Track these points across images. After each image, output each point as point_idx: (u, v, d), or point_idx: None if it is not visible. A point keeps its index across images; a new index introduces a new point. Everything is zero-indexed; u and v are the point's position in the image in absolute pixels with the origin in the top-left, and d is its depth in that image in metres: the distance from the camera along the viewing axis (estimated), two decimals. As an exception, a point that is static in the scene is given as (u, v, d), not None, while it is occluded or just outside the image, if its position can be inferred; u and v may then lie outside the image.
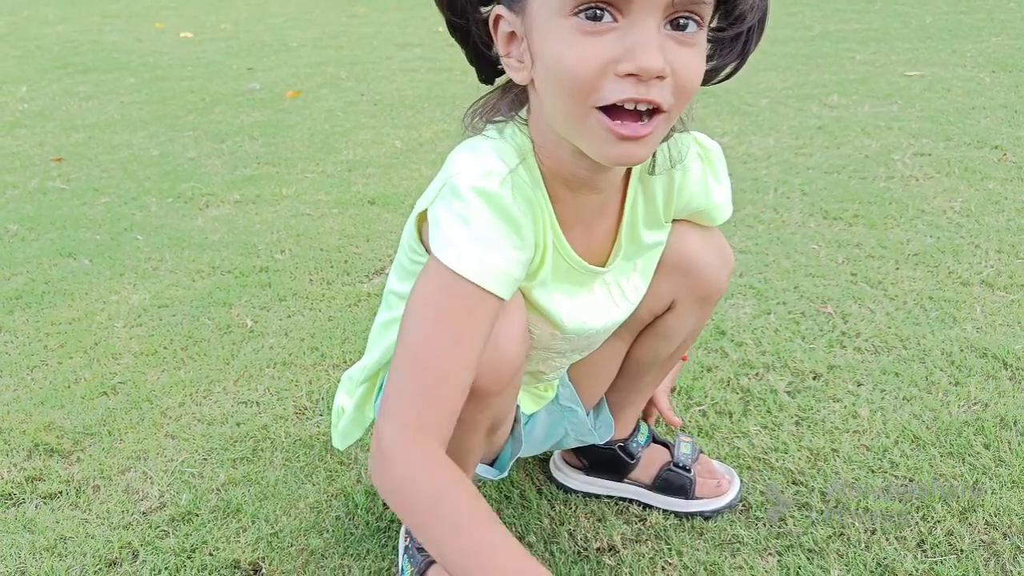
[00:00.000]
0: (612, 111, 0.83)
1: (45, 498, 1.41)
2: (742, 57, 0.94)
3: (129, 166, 3.32)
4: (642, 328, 1.24)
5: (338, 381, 1.36)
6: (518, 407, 1.19)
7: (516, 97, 0.99)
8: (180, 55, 5.87)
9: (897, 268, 2.04)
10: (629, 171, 1.05)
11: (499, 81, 1.00)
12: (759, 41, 0.93)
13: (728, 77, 0.96)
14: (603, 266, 1.08)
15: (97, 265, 2.35)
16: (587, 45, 0.81)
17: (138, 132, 3.83)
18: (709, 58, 0.91)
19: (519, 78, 0.92)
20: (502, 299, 0.91)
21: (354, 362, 1.29)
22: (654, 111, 0.84)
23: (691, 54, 0.83)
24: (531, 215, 0.96)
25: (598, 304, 1.10)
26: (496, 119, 1.00)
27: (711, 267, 1.17)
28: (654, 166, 1.04)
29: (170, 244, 2.48)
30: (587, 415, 1.32)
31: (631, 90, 0.81)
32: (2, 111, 4.40)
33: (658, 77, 0.81)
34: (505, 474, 1.23)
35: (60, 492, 1.42)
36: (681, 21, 0.82)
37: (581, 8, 0.81)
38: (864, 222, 2.32)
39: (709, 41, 0.89)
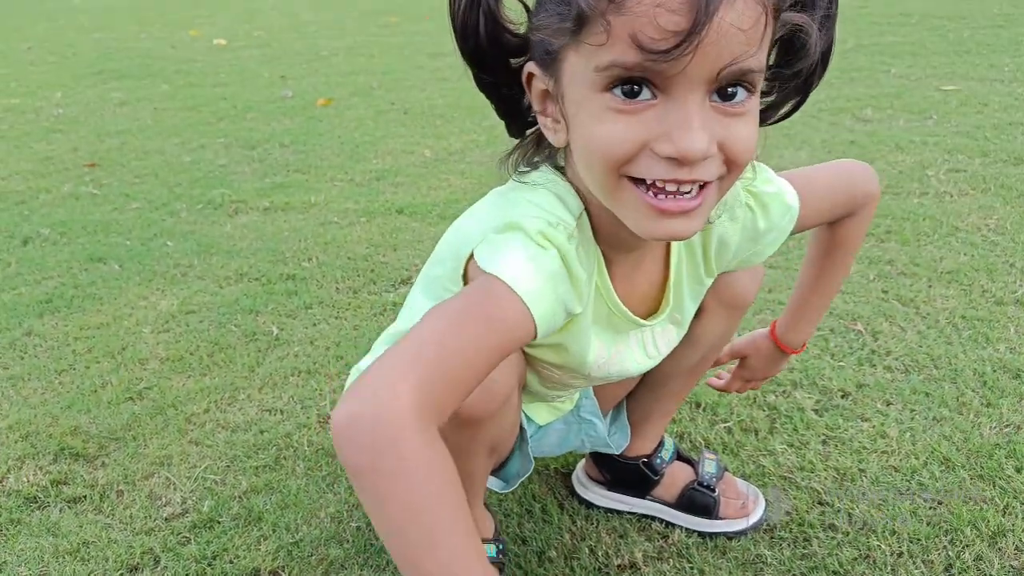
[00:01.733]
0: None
1: (69, 502, 1.42)
2: (804, 94, 0.87)
3: (161, 172, 3.35)
4: None
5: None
6: (523, 427, 1.17)
7: (554, 149, 0.93)
8: (213, 62, 5.93)
9: (929, 286, 2.01)
10: None
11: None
12: (823, 76, 0.86)
13: (787, 116, 0.90)
14: (645, 318, 1.04)
15: (127, 270, 2.38)
16: (621, 123, 0.75)
17: (170, 138, 3.88)
18: (766, 94, 0.84)
19: (555, 140, 0.85)
20: (535, 332, 0.84)
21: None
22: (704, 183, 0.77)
23: (741, 124, 0.76)
24: (588, 267, 0.91)
25: (631, 353, 1.07)
26: (543, 165, 0.93)
27: (741, 275, 1.15)
28: None
29: (199, 250, 2.50)
30: (605, 425, 1.31)
31: (671, 172, 0.75)
32: (37, 116, 4.47)
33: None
34: (511, 489, 1.21)
35: (84, 496, 1.43)
36: (729, 90, 0.74)
37: (616, 83, 0.74)
38: (897, 238, 2.28)
39: (767, 80, 0.82)
